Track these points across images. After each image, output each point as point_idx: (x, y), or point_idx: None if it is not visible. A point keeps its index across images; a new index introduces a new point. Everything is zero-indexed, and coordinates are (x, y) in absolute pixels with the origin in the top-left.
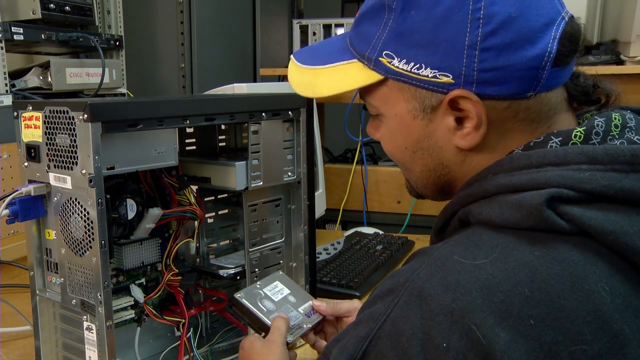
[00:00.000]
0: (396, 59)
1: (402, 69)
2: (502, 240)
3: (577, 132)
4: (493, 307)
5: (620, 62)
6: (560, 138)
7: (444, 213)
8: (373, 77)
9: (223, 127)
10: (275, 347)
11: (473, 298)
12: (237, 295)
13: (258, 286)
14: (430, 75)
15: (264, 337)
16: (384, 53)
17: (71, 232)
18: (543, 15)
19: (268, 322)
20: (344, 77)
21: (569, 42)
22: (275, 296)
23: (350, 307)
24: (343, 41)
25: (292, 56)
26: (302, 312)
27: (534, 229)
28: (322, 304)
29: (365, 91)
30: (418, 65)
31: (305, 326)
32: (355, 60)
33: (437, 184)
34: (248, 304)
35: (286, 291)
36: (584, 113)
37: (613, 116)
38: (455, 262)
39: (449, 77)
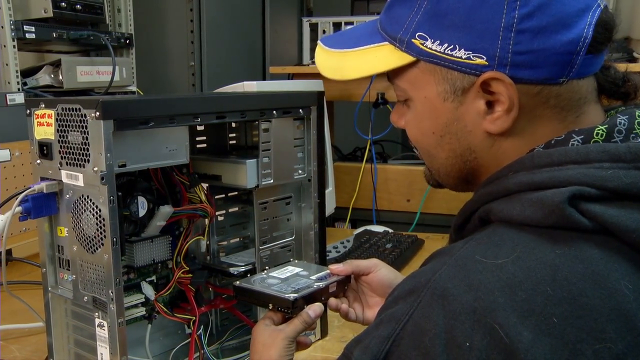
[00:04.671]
0: (429, 40)
1: (435, 50)
2: (523, 239)
3: (599, 130)
4: (515, 306)
5: (633, 60)
6: (582, 136)
7: (464, 211)
8: (404, 59)
9: (234, 125)
10: (280, 339)
11: (495, 297)
12: (237, 283)
13: (264, 272)
14: (463, 57)
15: (273, 309)
16: (417, 34)
17: (83, 229)
18: (579, 0)
19: (271, 293)
20: (373, 60)
21: (604, 29)
22: (282, 274)
23: (370, 264)
24: (373, 26)
25: (319, 41)
26: (313, 279)
27: (556, 227)
28: (339, 265)
29: (395, 74)
30: (452, 47)
31: (315, 285)
32: (386, 42)
33: (462, 170)
34: (247, 285)
35: (297, 270)
36: (611, 108)
37: (637, 114)
38: (477, 261)
39: (483, 58)
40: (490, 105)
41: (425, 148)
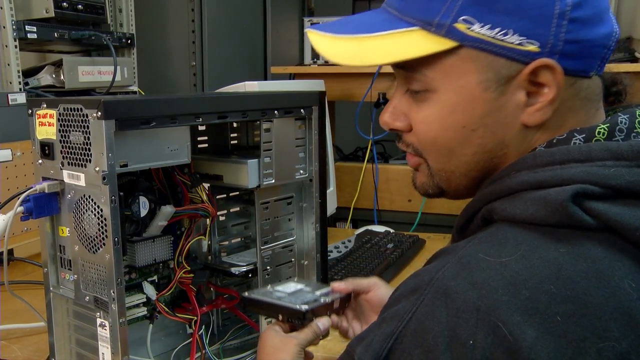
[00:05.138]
0: (477, 24)
1: (484, 35)
2: (527, 237)
3: (600, 128)
4: (519, 304)
5: (635, 60)
6: (584, 135)
7: (466, 211)
8: (443, 44)
9: (235, 125)
10: (292, 345)
11: (499, 295)
12: (246, 293)
13: (269, 286)
14: (516, 42)
15: (281, 320)
16: (461, 19)
17: (84, 229)
18: None
19: (281, 303)
20: (402, 45)
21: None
22: (287, 289)
23: (370, 282)
24: (384, 14)
25: (314, 29)
26: (318, 294)
27: (559, 226)
28: (341, 283)
29: (422, 62)
30: (504, 32)
31: (321, 300)
32: (417, 27)
33: (485, 168)
34: (257, 297)
35: (300, 286)
36: (610, 110)
37: (637, 113)
38: (480, 260)
39: (536, 44)
40: (529, 96)
41: (448, 145)
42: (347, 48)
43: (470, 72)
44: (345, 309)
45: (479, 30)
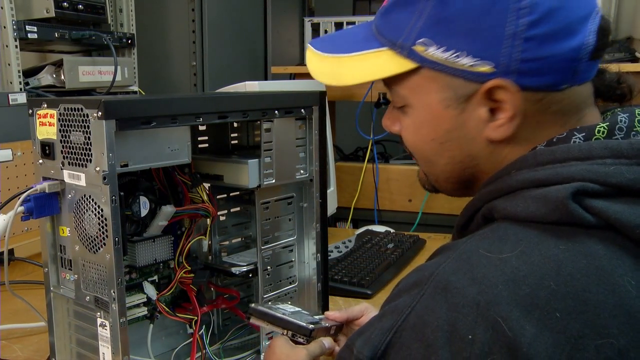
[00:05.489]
0: (433, 46)
1: (439, 57)
2: (528, 234)
3: (600, 127)
4: (519, 300)
5: (636, 60)
6: (584, 134)
7: (467, 210)
8: (405, 65)
9: (235, 125)
10: (304, 354)
11: (499, 291)
12: (252, 305)
13: (270, 303)
14: (469, 64)
15: (286, 334)
16: (419, 41)
17: (85, 229)
18: (582, 7)
19: (291, 319)
20: (372, 66)
21: (603, 36)
22: (288, 309)
23: (361, 307)
24: (367, 30)
25: (309, 44)
26: (317, 318)
27: (559, 223)
28: (335, 312)
29: (394, 81)
30: (457, 54)
31: (322, 323)
32: (386, 48)
33: (461, 176)
34: (266, 309)
35: (298, 308)
36: (607, 110)
37: (637, 112)
38: (481, 255)
39: (489, 66)
40: (492, 112)
41: (424, 154)
42: (329, 67)
43: (432, 90)
44: (338, 335)
45: (433, 52)
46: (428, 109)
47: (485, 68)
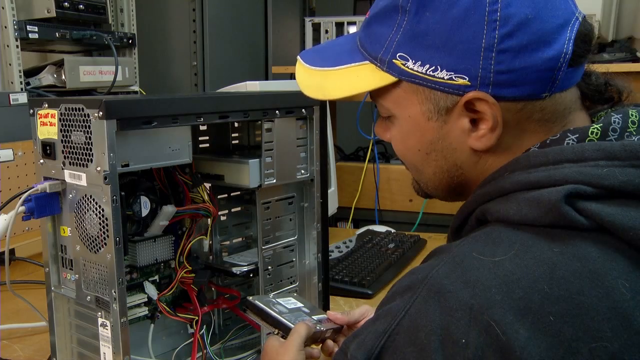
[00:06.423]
0: (410, 60)
1: (417, 71)
2: (521, 237)
3: (593, 128)
4: (512, 304)
5: (636, 60)
6: (577, 135)
7: (461, 212)
8: (386, 79)
9: (236, 124)
10: (291, 349)
11: (492, 294)
12: (250, 298)
13: (271, 296)
14: (445, 77)
15: (277, 334)
16: (397, 55)
17: (86, 229)
18: (558, 16)
19: (282, 319)
20: (355, 80)
21: (583, 42)
22: (288, 305)
23: (362, 310)
24: (352, 42)
25: (298, 57)
26: (315, 319)
27: (553, 226)
28: (337, 314)
29: (378, 93)
30: (433, 68)
31: (317, 327)
32: (367, 62)
33: (449, 184)
34: (261, 305)
35: (299, 304)
36: (597, 112)
37: (630, 112)
38: (474, 258)
39: (465, 79)
40: (474, 122)
41: (412, 163)
42: (315, 81)
43: (413, 103)
44: (337, 336)
45: (412, 66)
46: (411, 121)
47: (462, 81)
